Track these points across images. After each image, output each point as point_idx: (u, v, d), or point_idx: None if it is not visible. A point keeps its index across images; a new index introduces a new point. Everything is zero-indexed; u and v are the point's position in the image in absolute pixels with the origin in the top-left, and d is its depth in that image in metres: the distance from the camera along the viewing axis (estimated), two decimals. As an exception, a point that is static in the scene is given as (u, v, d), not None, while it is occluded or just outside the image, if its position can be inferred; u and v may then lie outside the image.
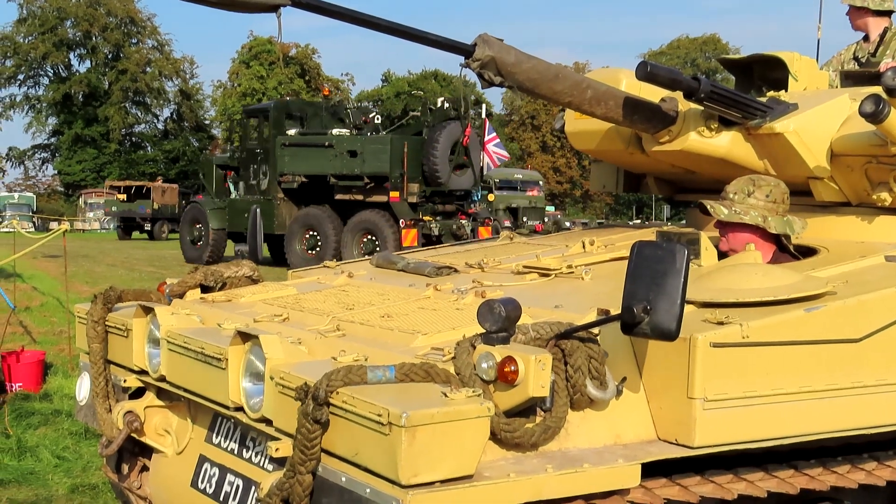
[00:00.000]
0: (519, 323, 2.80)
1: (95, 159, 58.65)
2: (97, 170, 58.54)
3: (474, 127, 17.80)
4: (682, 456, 2.82)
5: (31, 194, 54.56)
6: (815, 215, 4.24)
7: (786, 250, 3.89)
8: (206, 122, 61.75)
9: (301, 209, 19.13)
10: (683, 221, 5.29)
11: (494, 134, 18.53)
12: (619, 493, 2.69)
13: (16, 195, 51.96)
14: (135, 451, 3.98)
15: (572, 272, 3.77)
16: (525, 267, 3.90)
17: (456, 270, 4.07)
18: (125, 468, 4.07)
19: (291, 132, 19.33)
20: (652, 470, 2.82)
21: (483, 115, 20.14)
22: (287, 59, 56.75)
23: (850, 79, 4.89)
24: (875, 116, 3.68)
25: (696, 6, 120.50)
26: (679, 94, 4.04)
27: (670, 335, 2.60)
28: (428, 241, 16.86)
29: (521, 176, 34.43)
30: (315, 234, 18.54)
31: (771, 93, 4.37)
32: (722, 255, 3.92)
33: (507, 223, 28.86)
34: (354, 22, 3.56)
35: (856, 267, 3.56)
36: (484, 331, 2.67)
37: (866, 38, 5.45)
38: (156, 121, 62.98)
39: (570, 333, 2.76)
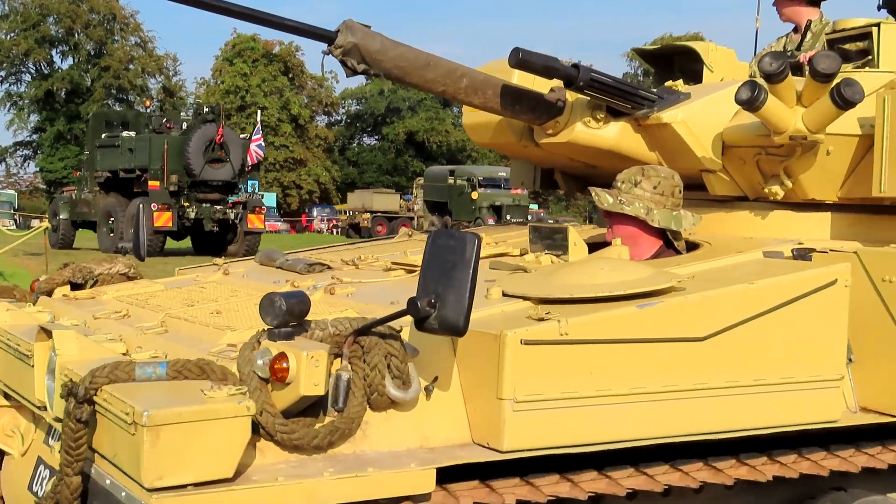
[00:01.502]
0: (322, 318, 2.65)
1: (77, 156, 56.98)
2: (79, 167, 57.31)
3: (227, 126, 21.97)
4: (495, 460, 2.65)
5: (12, 192, 52.69)
6: (710, 210, 4.05)
7: (672, 245, 3.69)
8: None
9: (108, 199, 22.79)
10: None
11: (260, 135, 22.46)
12: (411, 499, 2.52)
13: (-3, 193, 50.57)
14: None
15: None
16: (393, 263, 3.74)
17: (329, 267, 3.91)
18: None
19: (103, 136, 23.41)
20: (479, 472, 2.67)
21: (258, 120, 25.59)
22: (271, 57, 56.48)
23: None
24: (751, 104, 3.49)
25: (682, 5, 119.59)
26: None
27: (457, 330, 2.44)
28: (188, 223, 20.96)
29: (505, 174, 34.29)
30: (113, 220, 22.06)
31: (670, 82, 4.18)
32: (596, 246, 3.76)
33: (491, 221, 29.15)
34: (198, 6, 3.42)
35: (727, 263, 3.37)
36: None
37: (796, 30, 5.23)
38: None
39: (367, 329, 2.60)
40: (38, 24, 56.15)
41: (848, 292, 3.21)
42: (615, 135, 3.98)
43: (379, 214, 39.82)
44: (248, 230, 21.88)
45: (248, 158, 21.73)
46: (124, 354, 2.72)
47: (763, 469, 3.10)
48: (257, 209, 21.99)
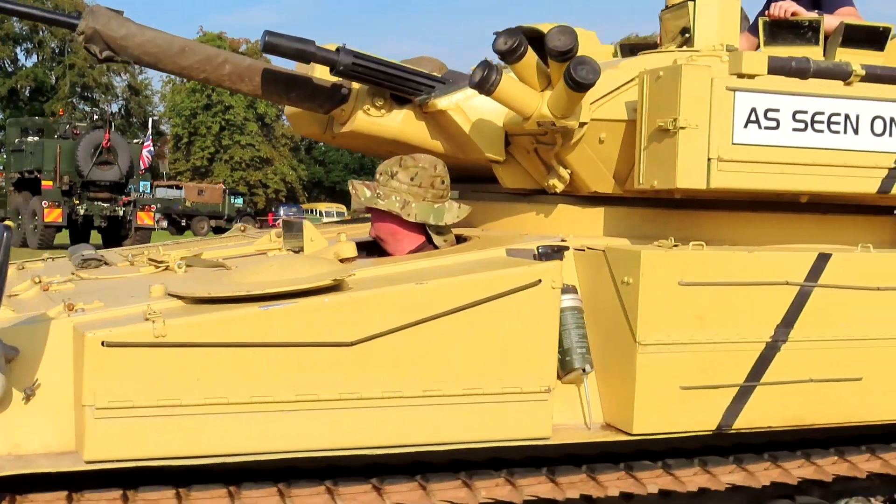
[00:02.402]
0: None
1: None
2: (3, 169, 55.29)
3: (112, 131, 24.37)
4: (76, 469, 2.46)
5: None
6: (506, 204, 3.73)
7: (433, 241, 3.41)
8: (155, 117, 56.58)
9: (17, 197, 25.11)
10: None
11: (150, 142, 25.65)
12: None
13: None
14: None
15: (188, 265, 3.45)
16: (149, 260, 3.58)
17: (106, 263, 3.79)
18: None
19: (16, 141, 25.92)
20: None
21: (149, 128, 28.70)
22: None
23: (633, 52, 4.31)
24: (482, 86, 3.18)
25: (648, 5, 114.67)
26: None
27: (-16, 330, 2.27)
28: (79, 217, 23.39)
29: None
30: (21, 216, 24.70)
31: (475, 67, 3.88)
32: (375, 244, 3.51)
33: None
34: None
35: (449, 261, 3.07)
36: None
37: None
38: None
39: (-60, 327, 2.45)
40: (2, 22, 53.95)
41: (558, 294, 2.88)
42: (399, 123, 3.71)
43: None
44: (138, 226, 24.38)
45: (141, 163, 24.59)
46: None
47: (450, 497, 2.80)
48: (147, 207, 24.71)
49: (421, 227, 3.39)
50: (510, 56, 3.12)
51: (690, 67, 3.02)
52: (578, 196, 3.53)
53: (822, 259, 3.17)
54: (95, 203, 23.91)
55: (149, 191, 26.16)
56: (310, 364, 2.60)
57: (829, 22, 3.73)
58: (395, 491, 2.76)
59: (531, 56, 3.16)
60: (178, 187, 37.36)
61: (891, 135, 3.23)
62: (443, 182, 3.40)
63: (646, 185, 3.16)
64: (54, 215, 22.91)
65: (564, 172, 3.44)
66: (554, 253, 3.16)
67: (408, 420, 2.71)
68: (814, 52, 3.61)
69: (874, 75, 3.31)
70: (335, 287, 2.71)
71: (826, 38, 3.72)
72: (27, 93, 56.61)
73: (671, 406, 3.00)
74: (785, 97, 3.11)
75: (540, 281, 2.84)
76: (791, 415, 3.17)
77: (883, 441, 3.48)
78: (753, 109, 3.07)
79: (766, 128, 3.09)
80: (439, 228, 3.40)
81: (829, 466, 3.24)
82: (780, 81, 3.14)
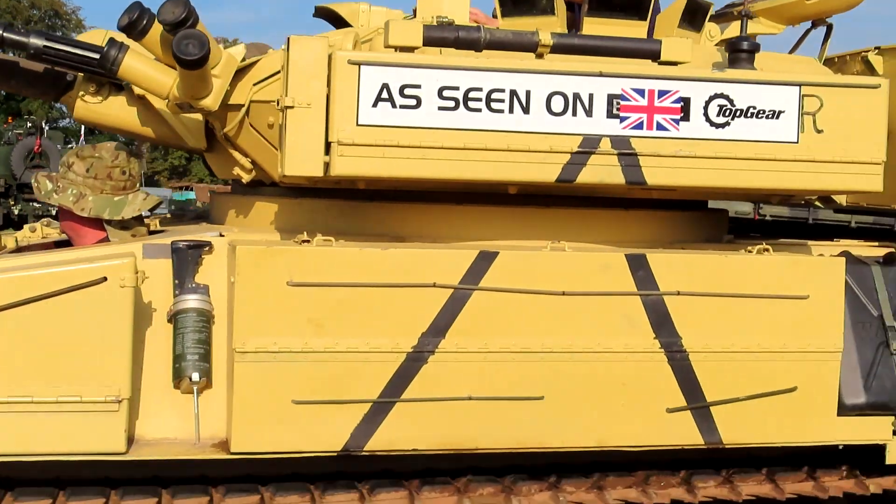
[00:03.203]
0: None
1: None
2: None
3: (44, 138, 24.92)
4: None
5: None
6: (238, 197, 3.43)
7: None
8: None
9: None
10: None
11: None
12: None
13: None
14: None
15: None
16: None
17: None
18: None
19: None
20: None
21: (82, 133, 28.49)
22: None
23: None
24: (102, 65, 2.92)
25: None
26: None
27: None
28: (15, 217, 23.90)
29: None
30: None
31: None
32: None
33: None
34: None
35: (70, 257, 2.83)
36: None
37: None
38: (83, 115, 58.48)
39: None
40: (-22, 20, 55.50)
41: (130, 293, 2.59)
42: (117, 109, 3.47)
43: None
44: None
45: None
46: None
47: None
48: None
49: (99, 222, 3.16)
50: (131, 31, 2.84)
51: (301, 39, 2.65)
52: (285, 187, 3.20)
53: (486, 259, 2.74)
54: (29, 204, 25.02)
55: (87, 193, 28.94)
56: None
57: (577, -12, 3.27)
58: None
59: (156, 31, 2.86)
60: (189, 189, 38.45)
61: (574, 114, 2.76)
62: (124, 172, 3.16)
63: (277, 170, 2.82)
64: None
65: (244, 160, 3.13)
66: (191, 248, 2.88)
67: None
68: (551, 24, 3.17)
69: (569, 46, 2.84)
70: None
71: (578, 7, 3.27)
72: (3, 91, 58.06)
73: (281, 423, 2.65)
74: (428, 71, 2.70)
75: (105, 279, 2.55)
76: (445, 437, 2.76)
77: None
78: (385, 86, 2.67)
79: (404, 107, 2.69)
80: (123, 223, 3.16)
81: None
82: (422, 54, 2.73)
